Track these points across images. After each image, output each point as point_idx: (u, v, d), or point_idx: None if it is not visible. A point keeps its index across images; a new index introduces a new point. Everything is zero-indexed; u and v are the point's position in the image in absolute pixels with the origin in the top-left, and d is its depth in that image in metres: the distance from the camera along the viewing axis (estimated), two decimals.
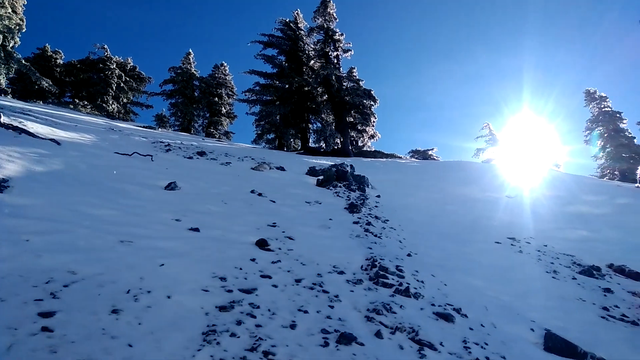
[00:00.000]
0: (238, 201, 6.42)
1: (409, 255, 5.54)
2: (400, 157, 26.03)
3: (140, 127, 21.21)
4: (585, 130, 32.52)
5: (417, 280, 4.53)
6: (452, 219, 8.77)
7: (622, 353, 3.70)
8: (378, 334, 3.13)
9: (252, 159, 12.75)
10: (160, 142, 12.79)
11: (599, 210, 10.35)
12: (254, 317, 2.86)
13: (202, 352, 2.26)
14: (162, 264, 3.34)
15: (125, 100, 34.95)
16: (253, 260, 3.97)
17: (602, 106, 31.58)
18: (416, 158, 31.01)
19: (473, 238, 7.28)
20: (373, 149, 27.24)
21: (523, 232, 7.92)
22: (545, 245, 7.08)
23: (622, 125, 30.61)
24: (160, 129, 23.85)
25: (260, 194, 7.22)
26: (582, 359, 3.53)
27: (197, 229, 4.53)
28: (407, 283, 4.28)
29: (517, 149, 33.42)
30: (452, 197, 11.15)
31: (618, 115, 30.97)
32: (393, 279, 4.32)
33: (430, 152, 34.14)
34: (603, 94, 31.80)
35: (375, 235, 6.11)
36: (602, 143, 30.94)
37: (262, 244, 4.49)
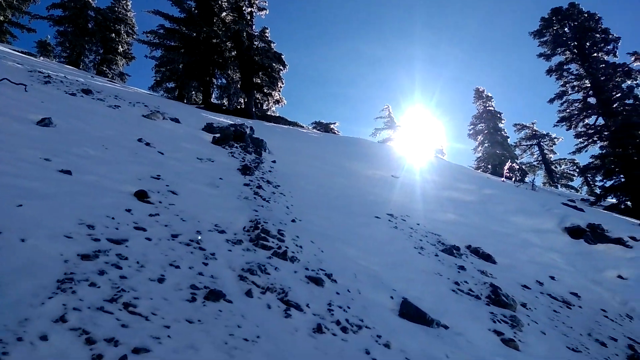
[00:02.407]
0: (122, 148, 7.16)
1: (293, 221, 6.63)
2: (302, 127, 31.23)
3: (18, 51, 22.48)
4: (470, 125, 42.46)
5: (297, 245, 5.50)
6: (341, 191, 10.58)
7: (463, 321, 5.23)
8: (248, 293, 3.82)
9: (146, 105, 13.98)
10: (40, 72, 13.61)
11: (468, 197, 13.47)
12: (120, 268, 3.24)
13: (54, 300, 2.53)
14: (21, 205, 3.61)
15: (1, 17, 35.04)
16: (128, 210, 4.50)
17: (487, 105, 41.54)
18: (318, 130, 36.69)
19: (356, 211, 8.93)
20: (277, 115, 32.47)
21: (401, 210, 9.87)
22: (418, 224, 9.00)
23: (500, 125, 40.75)
24: (42, 58, 25.46)
25: (148, 144, 8.09)
26: (429, 325, 4.87)
27: (68, 172, 4.98)
28: (286, 247, 5.21)
29: (410, 134, 43.73)
30: (344, 171, 13.43)
31: (499, 115, 41.13)
32: (273, 242, 5.21)
33: (332, 126, 41.07)
34: (489, 94, 42.29)
35: (264, 199, 7.20)
36: (482, 139, 40.49)
37: (141, 196, 5.12)
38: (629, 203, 20.99)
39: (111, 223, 4.00)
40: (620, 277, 9.54)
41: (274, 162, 11.00)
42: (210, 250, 4.30)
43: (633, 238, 11.70)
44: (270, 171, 9.74)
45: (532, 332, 5.69)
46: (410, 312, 5.00)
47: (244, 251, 4.71)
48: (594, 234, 11.65)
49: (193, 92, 35.08)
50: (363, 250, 6.50)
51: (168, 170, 6.76)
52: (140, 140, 8.08)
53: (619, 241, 11.44)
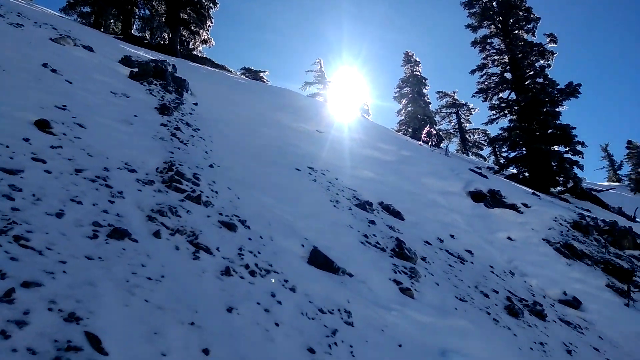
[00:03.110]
0: (23, 72, 6.56)
1: (211, 166, 6.50)
2: (230, 71, 30.04)
3: None
4: (397, 88, 43.43)
5: (212, 190, 5.45)
6: (264, 141, 10.49)
7: (367, 270, 5.59)
8: (157, 234, 3.77)
9: (54, 28, 12.70)
10: None
11: (387, 157, 14.06)
12: (12, 199, 3.03)
13: None
14: None
15: None
16: (26, 140, 4.22)
17: (414, 70, 42.81)
18: (246, 76, 35.53)
19: (277, 161, 8.96)
20: (203, 55, 30.95)
21: (322, 164, 10.08)
22: (337, 179, 9.29)
23: (424, 90, 42.24)
24: None
25: (54, 70, 7.40)
26: (335, 272, 5.15)
27: None
28: (201, 191, 5.12)
29: (338, 91, 43.77)
30: (269, 121, 13.23)
31: (424, 80, 42.66)
32: (187, 185, 5.12)
33: (261, 74, 39.98)
34: (417, 59, 43.36)
35: (182, 142, 6.96)
36: (406, 102, 41.78)
37: (42, 125, 4.77)
38: (526, 174, 23.18)
39: (4, 151, 3.68)
40: (509, 238, 10.67)
41: (195, 104, 10.55)
42: (118, 189, 4.13)
43: (525, 205, 13.05)
44: (191, 114, 9.36)
45: (427, 283, 6.25)
46: (318, 260, 5.24)
47: (155, 192, 4.58)
48: (492, 199, 12.82)
49: (112, 21, 32.35)
50: (280, 200, 6.60)
51: (76, 101, 6.23)
52: (45, 65, 7.31)
53: (513, 207, 12.70)
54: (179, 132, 7.38)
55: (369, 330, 4.37)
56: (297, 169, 8.90)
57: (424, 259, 7.17)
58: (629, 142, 45.16)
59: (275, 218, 5.82)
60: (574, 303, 8.23)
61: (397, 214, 8.79)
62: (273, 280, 4.20)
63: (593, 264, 10.53)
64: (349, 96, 45.08)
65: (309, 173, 8.97)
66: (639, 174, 40.03)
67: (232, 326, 3.18)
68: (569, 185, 22.72)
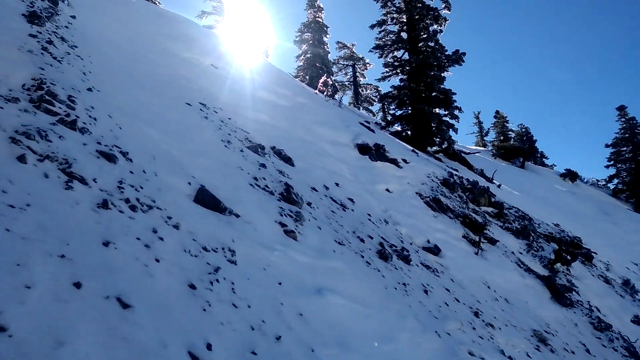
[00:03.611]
0: None
1: (89, 90, 5.87)
2: None
3: None
4: (298, 32, 42.57)
5: (90, 117, 4.98)
6: (152, 69, 9.81)
7: (254, 212, 5.68)
8: (21, 158, 3.42)
9: None
10: None
11: (282, 102, 14.02)
12: None
13: None
14: None
15: None
16: None
17: (317, 16, 41.88)
18: None
19: (166, 93, 8.40)
20: None
21: (214, 101, 9.70)
22: (230, 119, 9.06)
23: (325, 39, 42.08)
24: None
25: None
26: (222, 212, 5.15)
27: None
28: (77, 116, 4.65)
29: (238, 26, 40.97)
30: (159, 48, 12.34)
31: (325, 28, 42.17)
32: (61, 108, 4.59)
33: None
34: (321, 5, 42.38)
35: (55, 58, 6.09)
36: (306, 48, 41.20)
37: None
38: (409, 132, 24.91)
39: None
40: (387, 190, 11.54)
41: (73, 17, 9.24)
42: None
43: (404, 160, 14.12)
44: (67, 27, 8.20)
45: (310, 227, 6.57)
46: (205, 198, 5.17)
47: (21, 112, 4.07)
48: (377, 153, 13.63)
49: None
50: (167, 134, 6.27)
51: None
52: None
53: (394, 161, 13.67)
54: (52, 47, 6.39)
55: (251, 269, 4.51)
56: (188, 104, 8.45)
57: (309, 204, 7.47)
58: (497, 112, 50.57)
59: (161, 153, 5.54)
60: (435, 250, 9.32)
61: (288, 160, 8.93)
62: (156, 216, 4.08)
63: (454, 217, 11.94)
64: (249, 33, 42.84)
65: (200, 109, 8.58)
66: (501, 141, 45.35)
67: (108, 260, 3.06)
68: (443, 146, 25.03)
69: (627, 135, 40.27)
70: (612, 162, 41.08)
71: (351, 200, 9.36)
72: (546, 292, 10.79)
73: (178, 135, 6.58)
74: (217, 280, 3.87)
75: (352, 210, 8.83)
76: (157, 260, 3.48)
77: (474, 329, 6.75)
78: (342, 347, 4.29)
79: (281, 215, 6.17)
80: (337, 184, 9.83)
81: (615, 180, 40.95)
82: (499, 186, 21.77)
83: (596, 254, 16.44)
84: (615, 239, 22.68)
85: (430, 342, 5.45)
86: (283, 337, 3.74)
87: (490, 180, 22.61)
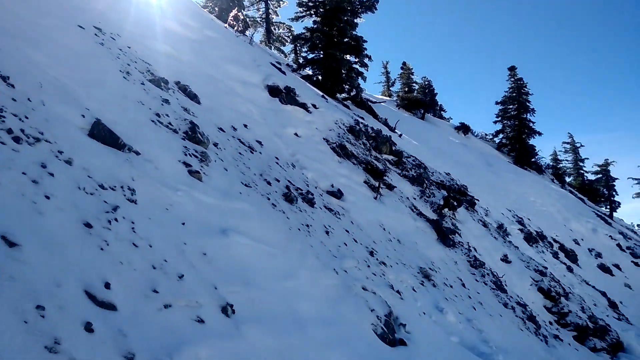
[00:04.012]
0: None
1: None
2: None
3: None
4: None
5: None
6: None
7: (155, 150, 5.46)
8: None
9: None
10: None
11: (189, 34, 13.21)
12: None
13: None
14: None
15: None
16: None
17: None
18: None
19: (54, 12, 7.26)
20: None
21: (111, 26, 8.73)
22: (129, 47, 8.38)
23: None
24: None
25: None
26: (120, 149, 4.89)
27: None
28: None
29: None
30: None
31: None
32: None
33: None
34: None
35: None
36: None
37: None
38: (320, 77, 24.92)
39: None
40: (296, 134, 11.63)
41: None
42: None
43: (314, 105, 14.23)
44: None
45: (216, 168, 6.47)
46: (102, 133, 4.82)
47: None
48: (287, 96, 13.53)
49: None
50: (55, 60, 5.60)
51: None
52: None
53: (303, 106, 13.71)
54: None
55: (153, 209, 4.39)
56: (80, 27, 7.52)
57: (215, 144, 7.30)
58: (404, 63, 52.18)
59: (49, 80, 4.98)
60: (338, 194, 9.75)
61: (194, 97, 8.52)
62: (44, 150, 3.74)
63: (357, 164, 12.48)
64: None
65: (96, 34, 7.72)
66: (405, 93, 47.29)
67: None
68: (352, 94, 25.52)
69: (514, 94, 44.14)
70: (499, 119, 45.02)
71: (259, 142, 9.31)
72: (433, 234, 11.94)
73: (69, 61, 5.91)
74: (116, 220, 3.72)
75: (260, 153, 8.82)
76: (47, 197, 3.24)
77: (369, 266, 7.33)
78: (245, 284, 4.44)
79: (185, 154, 5.98)
80: (245, 126, 9.68)
81: (501, 135, 45.13)
82: (400, 136, 22.99)
83: (478, 200, 18.39)
84: (495, 187, 25.45)
85: (328, 278, 5.84)
86: (186, 276, 3.76)
87: (392, 129, 23.76)
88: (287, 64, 26.96)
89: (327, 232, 7.49)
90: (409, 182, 14.61)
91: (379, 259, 8.01)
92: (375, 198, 11.32)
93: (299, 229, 6.76)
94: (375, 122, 22.26)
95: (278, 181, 7.97)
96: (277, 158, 9.24)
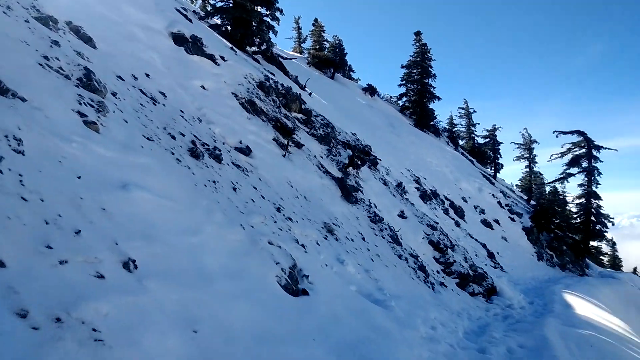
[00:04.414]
0: None
1: None
2: None
3: None
4: None
5: None
6: None
7: (45, 97, 5.00)
8: None
9: None
10: None
11: None
12: None
13: None
14: None
15: None
16: None
17: None
18: None
19: None
20: None
21: None
22: None
23: None
24: None
25: None
26: (3, 94, 4.44)
27: None
28: None
29: None
30: None
31: None
32: None
33: None
34: None
35: None
36: None
37: None
38: (229, 27, 23.90)
39: None
40: (203, 87, 11.23)
41: None
42: None
43: (222, 58, 13.73)
44: None
45: (115, 119, 6.11)
46: None
47: None
48: (194, 46, 12.88)
49: None
50: None
51: None
52: None
53: (211, 57, 13.17)
54: None
55: (43, 161, 4.11)
56: None
57: (114, 94, 6.84)
58: (316, 20, 51.51)
59: None
60: (246, 151, 9.71)
61: (88, 40, 7.79)
62: None
63: (267, 121, 12.44)
64: None
65: None
66: (316, 50, 47.14)
67: None
68: (262, 47, 24.89)
69: (418, 59, 46.06)
70: (404, 82, 46.89)
71: (163, 94, 8.87)
72: (338, 191, 12.50)
73: None
74: (1, 172, 3.44)
75: (164, 105, 8.42)
76: None
77: (275, 222, 7.55)
78: (148, 240, 4.39)
79: (80, 103, 5.56)
80: (147, 75, 9.12)
81: (404, 99, 47.30)
82: (310, 94, 23.16)
83: (380, 160, 19.43)
84: (396, 148, 26.98)
85: (234, 234, 5.94)
86: (83, 232, 3.64)
87: (303, 87, 23.80)
88: (194, 11, 25.40)
89: (234, 189, 7.52)
90: (317, 140, 14.95)
91: (285, 214, 8.25)
92: (284, 156, 11.47)
93: (205, 185, 6.71)
94: (285, 79, 22.10)
95: (183, 135, 7.73)
96: (182, 111, 8.90)
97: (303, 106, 16.09)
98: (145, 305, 3.57)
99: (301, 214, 9.01)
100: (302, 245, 7.49)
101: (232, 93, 12.18)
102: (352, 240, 10.10)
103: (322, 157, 14.04)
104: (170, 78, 10.17)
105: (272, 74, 19.12)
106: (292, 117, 14.72)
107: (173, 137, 7.34)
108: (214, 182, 7.10)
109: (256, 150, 10.18)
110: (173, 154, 6.76)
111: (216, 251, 5.26)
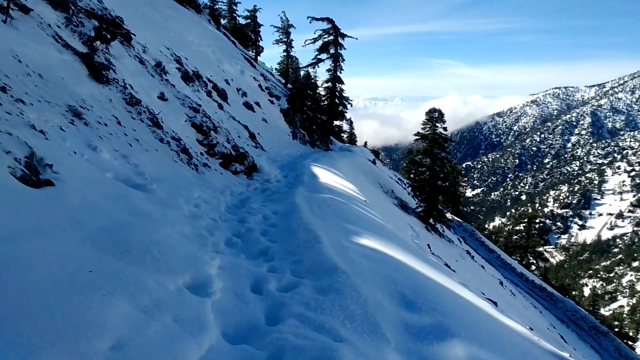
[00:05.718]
0: None
1: None
2: None
3: None
4: None
5: None
6: None
7: None
8: None
9: None
10: None
11: None
12: None
13: None
14: None
15: None
16: None
17: None
18: None
19: None
20: None
21: None
22: None
23: None
24: None
25: None
26: None
27: None
28: None
29: None
30: None
31: None
32: None
33: None
34: None
35: None
36: None
37: None
38: None
39: None
40: None
41: None
42: None
43: None
44: None
45: None
46: None
47: None
48: None
49: None
50: None
51: None
52: None
53: None
54: None
55: None
56: None
57: None
58: None
59: None
60: None
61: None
62: None
63: None
64: None
65: None
66: None
67: None
68: None
69: None
70: None
71: None
72: (84, 69, 10.92)
73: None
74: None
75: None
76: None
77: (1, 104, 6.26)
78: None
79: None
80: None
81: None
82: None
83: (135, 35, 17.49)
84: (153, 22, 24.54)
85: None
86: None
87: None
88: None
89: None
90: (50, 5, 12.32)
91: (14, 96, 6.87)
92: (5, 22, 9.17)
93: None
94: None
95: None
96: None
97: None
98: None
99: (37, 96, 7.65)
100: (42, 132, 6.49)
101: None
102: (106, 125, 9.24)
103: (59, 27, 11.76)
104: None
105: None
106: None
107: None
108: None
109: None
110: None
111: None
